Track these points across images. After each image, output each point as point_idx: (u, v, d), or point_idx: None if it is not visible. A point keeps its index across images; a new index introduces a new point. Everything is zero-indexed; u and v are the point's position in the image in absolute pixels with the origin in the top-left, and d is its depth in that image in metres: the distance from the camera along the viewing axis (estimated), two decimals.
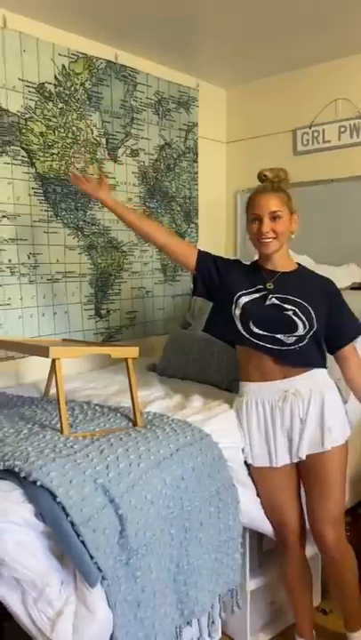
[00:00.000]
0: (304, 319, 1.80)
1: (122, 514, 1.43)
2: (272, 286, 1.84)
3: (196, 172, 3.16)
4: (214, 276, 1.90)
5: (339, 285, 2.47)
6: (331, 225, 2.89)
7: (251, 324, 1.82)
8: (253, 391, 1.87)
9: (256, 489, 1.90)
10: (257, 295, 1.84)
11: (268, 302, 1.83)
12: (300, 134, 2.99)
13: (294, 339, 1.81)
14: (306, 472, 1.87)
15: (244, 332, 1.84)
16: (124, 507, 1.44)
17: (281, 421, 1.83)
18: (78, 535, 1.36)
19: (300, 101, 2.97)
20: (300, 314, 1.81)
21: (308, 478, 1.87)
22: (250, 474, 1.90)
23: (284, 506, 1.88)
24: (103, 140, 2.69)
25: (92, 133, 2.64)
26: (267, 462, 1.85)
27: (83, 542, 1.36)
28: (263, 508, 1.90)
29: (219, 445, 1.80)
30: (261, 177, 1.87)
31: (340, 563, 1.91)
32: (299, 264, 1.93)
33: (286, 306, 1.82)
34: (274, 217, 1.79)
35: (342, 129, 2.84)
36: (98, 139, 2.66)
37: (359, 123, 2.77)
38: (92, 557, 1.36)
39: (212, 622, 1.81)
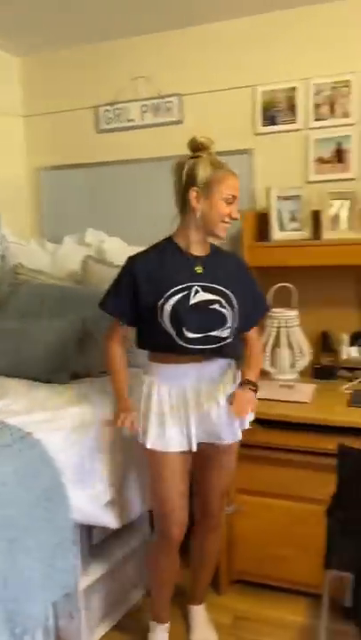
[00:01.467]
0: (229, 308, 1.74)
1: None
2: (201, 271, 1.74)
3: None
4: (133, 304, 1.77)
5: None
6: (142, 205, 2.86)
7: (184, 329, 1.69)
8: (164, 374, 1.77)
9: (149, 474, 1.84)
10: (182, 294, 1.70)
11: (193, 300, 1.70)
12: (102, 111, 2.90)
13: (228, 330, 1.75)
14: (208, 454, 1.83)
15: (178, 340, 1.71)
16: None
17: (194, 406, 1.75)
18: None
19: (101, 77, 2.87)
20: (224, 303, 1.74)
21: (210, 459, 1.85)
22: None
23: (180, 492, 1.81)
24: None
25: None
26: (169, 447, 1.75)
27: None
28: (153, 495, 1.83)
29: (42, 443, 1.66)
30: (198, 144, 1.73)
31: (217, 532, 2.00)
32: (210, 242, 1.83)
33: (211, 297, 1.72)
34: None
35: (144, 108, 2.83)
36: None
37: (161, 103, 2.78)
38: None
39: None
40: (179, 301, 1.69)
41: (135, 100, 2.82)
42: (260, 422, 2.02)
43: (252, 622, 2.07)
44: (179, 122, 2.74)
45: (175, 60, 2.72)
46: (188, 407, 1.75)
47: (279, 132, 2.57)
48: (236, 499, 2.15)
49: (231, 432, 1.79)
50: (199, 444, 1.77)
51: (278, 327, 2.43)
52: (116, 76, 2.83)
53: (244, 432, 1.88)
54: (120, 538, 2.14)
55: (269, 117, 2.57)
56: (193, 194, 1.69)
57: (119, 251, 2.61)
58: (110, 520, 1.89)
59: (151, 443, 1.75)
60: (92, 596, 1.99)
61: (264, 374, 2.42)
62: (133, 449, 1.91)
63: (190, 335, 1.70)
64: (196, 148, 1.73)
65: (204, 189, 1.68)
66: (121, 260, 2.68)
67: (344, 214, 2.41)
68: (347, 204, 2.40)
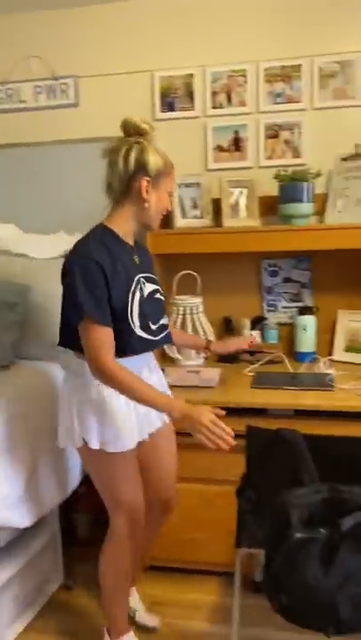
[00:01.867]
0: (163, 294, 1.78)
1: None
2: (138, 262, 1.70)
3: None
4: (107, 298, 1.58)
5: (49, 255, 2.40)
6: (36, 191, 2.75)
7: (149, 322, 1.66)
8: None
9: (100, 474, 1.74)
10: (137, 287, 1.65)
11: (145, 291, 1.67)
12: None
13: (167, 317, 1.79)
14: (155, 442, 1.81)
15: (145, 335, 1.65)
16: None
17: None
18: None
19: None
20: (161, 290, 1.76)
21: (156, 449, 1.83)
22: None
23: (139, 483, 1.77)
24: None
25: None
26: (132, 443, 1.67)
27: None
28: (115, 493, 1.72)
29: None
30: (140, 128, 1.65)
31: (169, 515, 1.97)
32: None
33: (154, 287, 1.72)
34: None
35: (38, 89, 2.70)
36: None
37: (54, 84, 2.67)
38: None
39: None
40: (140, 295, 1.64)
41: (28, 81, 2.69)
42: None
43: (166, 607, 2.09)
44: (75, 105, 2.66)
45: (71, 40, 2.62)
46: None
47: (177, 118, 2.57)
48: None
49: None
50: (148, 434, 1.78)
51: (184, 314, 2.45)
52: (7, 53, 2.68)
53: None
54: (30, 534, 2.06)
55: (167, 104, 2.57)
56: (144, 183, 1.59)
57: (13, 238, 2.50)
58: (19, 520, 1.81)
59: (113, 445, 1.64)
60: (3, 596, 1.91)
61: (170, 361, 2.43)
62: (42, 439, 1.84)
63: (153, 327, 1.68)
64: (136, 132, 1.62)
65: (154, 180, 1.60)
66: (17, 249, 2.56)
67: (243, 202, 2.47)
68: (245, 192, 2.46)
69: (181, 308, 2.45)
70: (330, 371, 2.25)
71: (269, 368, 2.37)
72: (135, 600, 2.05)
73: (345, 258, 2.42)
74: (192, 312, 2.46)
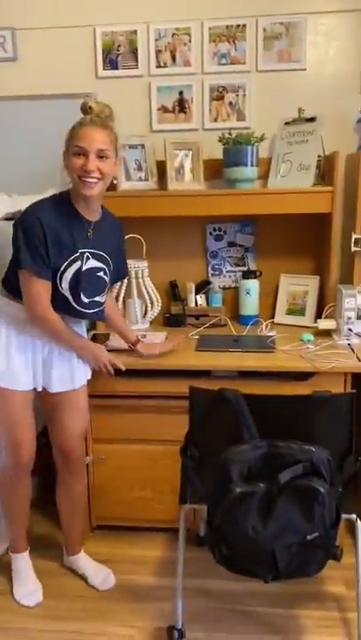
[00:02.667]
0: (109, 275, 1.84)
1: None
2: (91, 236, 1.76)
3: None
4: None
5: None
6: None
7: (81, 293, 1.75)
8: (19, 313, 1.76)
9: None
10: (79, 259, 1.73)
11: (85, 266, 1.74)
12: None
13: (105, 296, 1.86)
14: (61, 401, 1.90)
15: (75, 305, 1.76)
16: None
17: (40, 347, 1.82)
18: None
19: None
20: (107, 270, 1.82)
21: (64, 405, 1.91)
22: None
23: (25, 423, 1.85)
24: None
25: None
26: (15, 385, 1.79)
27: None
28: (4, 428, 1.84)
29: None
30: (87, 109, 1.73)
31: (82, 475, 2.06)
32: (102, 206, 1.85)
33: (98, 265, 1.78)
34: (101, 156, 1.66)
35: None
36: None
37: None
38: None
39: None
40: (77, 267, 1.72)
41: None
42: (114, 372, 2.04)
43: (114, 563, 2.14)
44: (12, 59, 2.54)
45: None
46: (42, 352, 1.83)
47: (121, 77, 2.50)
48: (93, 449, 2.18)
49: (84, 374, 1.92)
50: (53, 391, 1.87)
51: (129, 278, 2.43)
52: None
53: (98, 383, 2.00)
54: None
55: (110, 61, 2.49)
56: (64, 157, 1.71)
57: None
58: None
59: (4, 380, 1.78)
60: None
61: None
62: None
63: (85, 300, 1.76)
64: (85, 111, 1.74)
65: (66, 146, 1.70)
66: None
67: (188, 165, 2.45)
68: (190, 154, 2.45)
69: None
70: (271, 333, 2.31)
71: (214, 331, 2.41)
72: (82, 566, 2.11)
73: (288, 222, 2.46)
74: (137, 276, 2.46)
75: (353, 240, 2.29)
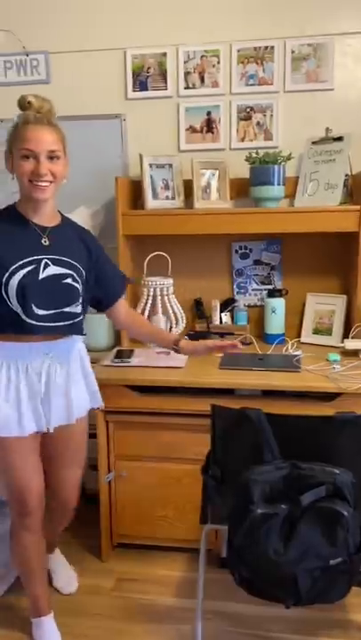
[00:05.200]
0: (80, 282, 1.65)
1: None
2: (48, 243, 1.61)
3: None
4: None
5: None
6: None
7: (33, 306, 1.56)
8: (5, 350, 1.61)
9: None
10: (30, 267, 1.56)
11: (42, 274, 1.57)
12: None
13: (80, 307, 1.66)
14: (54, 441, 1.75)
15: (26, 319, 1.56)
16: None
17: (35, 387, 1.64)
18: None
19: None
20: (77, 277, 1.64)
21: (57, 446, 1.77)
22: None
23: (30, 471, 1.70)
24: None
25: None
26: (15, 431, 1.62)
27: None
28: (4, 480, 1.70)
29: None
30: (25, 104, 1.57)
31: (70, 518, 1.96)
32: (60, 212, 1.72)
33: (63, 271, 1.61)
34: (51, 157, 1.55)
35: (8, 64, 2.65)
36: None
37: (26, 59, 2.62)
38: None
39: None
40: (25, 276, 1.54)
41: None
42: (136, 389, 2.05)
43: (134, 582, 2.12)
44: (46, 81, 2.61)
45: (43, 15, 2.56)
46: (39, 385, 1.65)
47: (150, 98, 2.55)
48: (115, 465, 2.17)
49: (83, 406, 1.78)
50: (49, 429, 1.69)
51: (154, 295, 2.45)
52: None
53: (121, 399, 1.97)
54: None
55: (140, 83, 2.54)
56: (6, 158, 1.59)
57: None
58: None
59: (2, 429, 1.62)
60: None
61: (140, 342, 2.44)
62: None
63: (40, 312, 1.58)
64: (23, 107, 1.58)
65: (9, 151, 1.58)
66: None
67: (214, 184, 2.47)
68: (217, 173, 2.47)
69: (152, 290, 2.45)
70: (297, 352, 2.29)
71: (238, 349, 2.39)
72: (54, 564, 2.10)
73: (314, 241, 2.45)
74: (162, 293, 2.47)
75: None
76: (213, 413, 1.62)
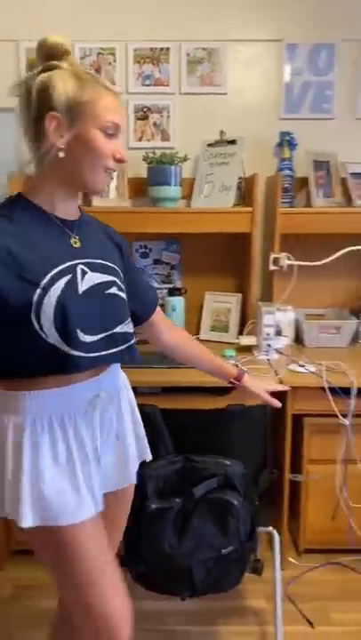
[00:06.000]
0: (124, 291, 1.23)
1: None
2: (78, 244, 1.17)
3: None
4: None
5: None
6: None
7: (78, 331, 1.09)
8: (43, 405, 1.12)
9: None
10: (66, 278, 1.10)
11: (82, 285, 1.12)
12: None
13: (132, 325, 1.25)
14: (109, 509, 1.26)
15: (70, 351, 1.08)
16: None
17: (90, 442, 1.17)
18: None
19: None
20: (120, 284, 1.21)
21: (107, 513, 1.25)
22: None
23: (112, 571, 1.19)
24: None
25: None
26: (80, 515, 1.12)
27: None
28: (72, 593, 1.18)
29: None
30: (62, 51, 1.12)
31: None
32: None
33: (105, 278, 1.17)
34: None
35: None
36: None
37: None
38: None
39: None
40: (64, 290, 1.09)
41: None
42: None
43: (33, 589, 2.07)
44: None
45: None
46: (85, 448, 1.17)
47: None
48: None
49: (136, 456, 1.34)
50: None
51: None
52: None
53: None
54: None
55: None
56: (52, 122, 1.09)
57: None
58: None
59: (40, 518, 1.10)
60: None
61: None
62: None
63: (88, 339, 1.12)
64: (50, 54, 1.11)
65: (69, 114, 1.09)
66: None
67: (113, 183, 2.46)
68: (115, 172, 2.45)
69: None
70: None
71: (141, 347, 2.39)
72: None
73: (211, 241, 2.51)
74: None
75: (271, 259, 2.36)
76: None
